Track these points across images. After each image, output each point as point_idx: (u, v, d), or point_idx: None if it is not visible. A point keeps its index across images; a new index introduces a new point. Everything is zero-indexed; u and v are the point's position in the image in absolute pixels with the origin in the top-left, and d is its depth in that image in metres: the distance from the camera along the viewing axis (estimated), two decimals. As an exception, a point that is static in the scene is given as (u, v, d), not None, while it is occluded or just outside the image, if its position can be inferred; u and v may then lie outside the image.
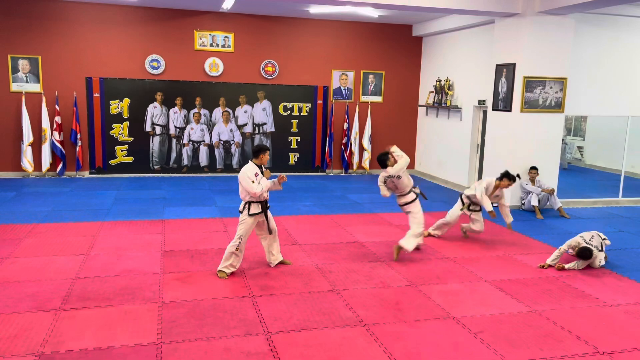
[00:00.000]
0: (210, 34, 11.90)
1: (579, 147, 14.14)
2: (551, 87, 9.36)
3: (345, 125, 12.85)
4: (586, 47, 9.74)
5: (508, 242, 7.45)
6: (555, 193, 9.32)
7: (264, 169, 5.81)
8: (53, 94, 11.22)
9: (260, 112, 12.49)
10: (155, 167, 12.08)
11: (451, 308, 5.13)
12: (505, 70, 9.53)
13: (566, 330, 4.74)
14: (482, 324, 4.79)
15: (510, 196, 9.52)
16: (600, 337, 4.61)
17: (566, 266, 6.31)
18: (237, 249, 5.74)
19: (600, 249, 6.36)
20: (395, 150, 6.49)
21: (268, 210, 5.94)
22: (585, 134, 14.10)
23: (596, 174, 13.35)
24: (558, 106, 9.48)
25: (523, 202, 9.51)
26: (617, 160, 10.83)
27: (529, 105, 9.33)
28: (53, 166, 11.39)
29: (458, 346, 4.37)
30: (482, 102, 10.79)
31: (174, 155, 12.19)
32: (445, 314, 4.99)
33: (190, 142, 12.23)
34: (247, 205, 5.75)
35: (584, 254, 6.17)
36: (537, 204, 9.16)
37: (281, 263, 6.21)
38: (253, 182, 5.59)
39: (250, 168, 5.69)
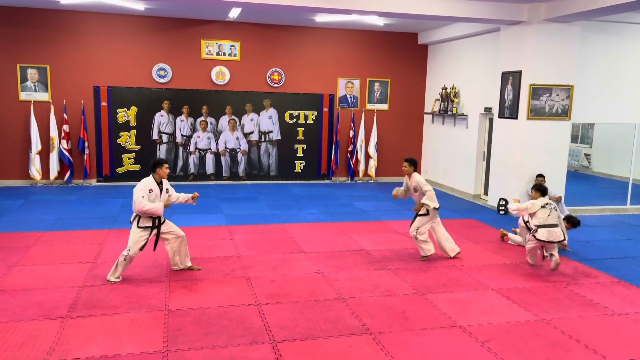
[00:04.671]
0: (216, 43, 11.98)
1: (586, 155, 14.08)
2: (557, 95, 9.34)
3: (351, 133, 12.86)
4: (592, 54, 9.73)
5: (515, 250, 7.42)
6: (562, 201, 9.27)
7: (165, 185, 5.88)
8: (61, 102, 11.31)
9: (267, 120, 12.54)
10: (162, 175, 12.11)
11: (458, 316, 5.10)
12: (511, 78, 9.53)
13: (574, 339, 4.70)
14: (489, 333, 4.76)
15: (517, 204, 9.48)
16: (609, 346, 4.57)
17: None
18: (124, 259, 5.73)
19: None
20: None
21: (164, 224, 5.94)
22: (593, 142, 14.04)
23: (604, 181, 13.28)
24: (565, 113, 9.46)
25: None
26: (625, 167, 10.78)
27: (535, 113, 9.31)
28: (61, 174, 11.46)
29: (465, 355, 4.35)
30: (488, 110, 10.78)
31: (180, 163, 12.25)
32: (452, 323, 4.96)
33: (197, 150, 12.28)
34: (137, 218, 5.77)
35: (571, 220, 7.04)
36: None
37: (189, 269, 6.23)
38: (143, 197, 5.62)
39: (146, 183, 5.72)
